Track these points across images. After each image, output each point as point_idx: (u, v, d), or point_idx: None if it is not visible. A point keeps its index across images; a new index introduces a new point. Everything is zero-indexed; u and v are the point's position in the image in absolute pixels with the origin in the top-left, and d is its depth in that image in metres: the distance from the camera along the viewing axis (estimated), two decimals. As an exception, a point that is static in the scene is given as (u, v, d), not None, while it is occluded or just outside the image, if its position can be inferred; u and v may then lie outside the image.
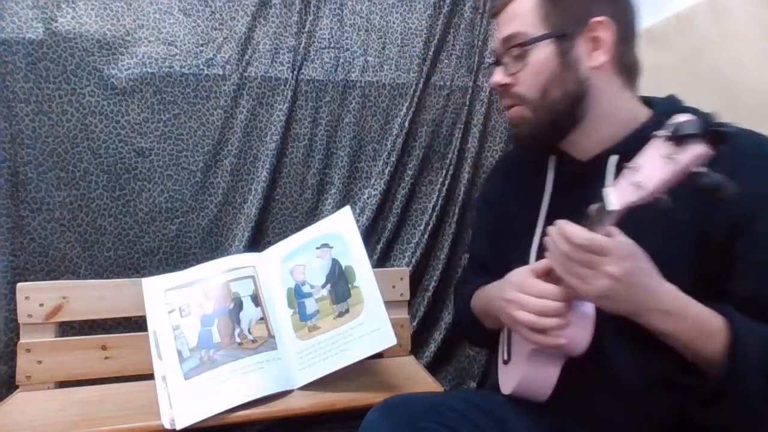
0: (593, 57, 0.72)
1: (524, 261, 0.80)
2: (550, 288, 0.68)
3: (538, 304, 0.68)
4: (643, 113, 0.75)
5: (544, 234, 0.71)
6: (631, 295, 0.59)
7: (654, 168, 0.53)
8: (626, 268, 0.58)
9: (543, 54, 0.73)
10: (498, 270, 0.91)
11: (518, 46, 0.74)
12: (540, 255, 0.74)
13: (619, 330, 0.68)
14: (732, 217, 0.63)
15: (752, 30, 0.97)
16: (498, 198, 0.95)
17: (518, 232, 0.84)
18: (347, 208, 1.14)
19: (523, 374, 0.75)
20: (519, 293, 0.70)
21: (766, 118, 0.82)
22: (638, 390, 0.70)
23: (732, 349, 0.58)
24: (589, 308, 0.69)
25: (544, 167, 0.83)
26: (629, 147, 0.66)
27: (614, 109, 0.74)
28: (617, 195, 0.57)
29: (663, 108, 0.74)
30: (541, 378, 0.74)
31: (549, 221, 0.71)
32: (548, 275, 0.70)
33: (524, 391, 0.76)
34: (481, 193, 1.08)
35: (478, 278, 0.96)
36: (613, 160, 0.69)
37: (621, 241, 0.59)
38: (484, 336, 0.93)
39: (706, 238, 0.65)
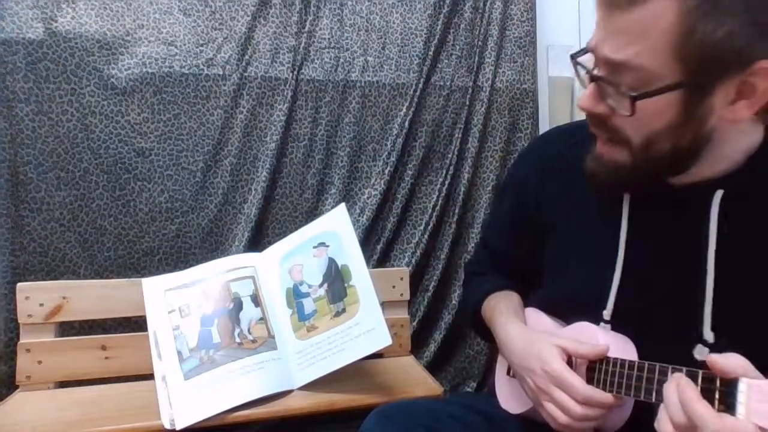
0: (734, 109, 0.53)
1: (600, 299, 0.66)
2: (599, 396, 0.59)
3: (582, 413, 0.59)
4: (757, 134, 0.59)
5: (625, 270, 0.64)
6: None
7: None
8: None
9: (664, 102, 0.52)
10: (519, 267, 0.84)
11: (634, 88, 0.52)
12: (624, 297, 0.65)
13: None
14: None
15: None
16: (535, 191, 0.78)
17: (580, 251, 0.71)
18: (342, 206, 1.14)
19: (530, 409, 0.71)
20: (556, 390, 0.61)
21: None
22: None
23: None
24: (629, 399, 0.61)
25: None
26: (737, 182, 0.59)
27: (736, 145, 0.58)
28: (755, 409, 0.44)
29: None
30: None
31: (630, 258, 0.65)
32: (590, 363, 0.62)
33: (529, 418, 0.73)
34: (512, 175, 0.88)
35: (491, 273, 0.90)
36: (719, 196, 0.58)
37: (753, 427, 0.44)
38: (491, 338, 0.84)
39: None
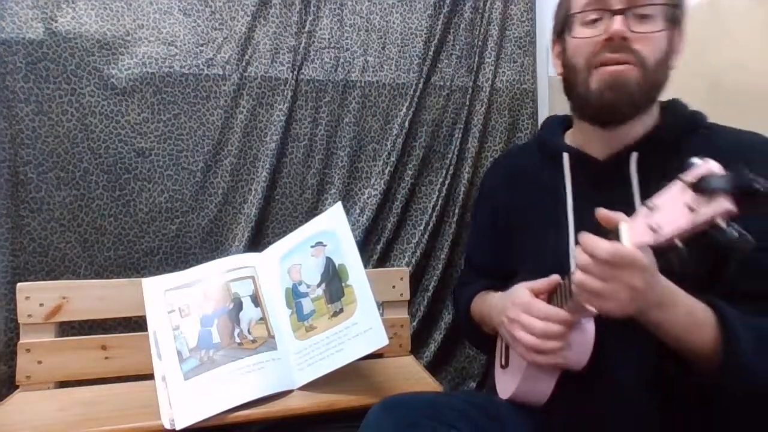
0: (680, 46, 0.72)
1: (564, 269, 0.74)
2: (555, 311, 0.68)
3: (542, 327, 0.68)
4: (654, 112, 0.75)
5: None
6: (642, 301, 0.58)
7: (674, 214, 0.51)
8: (647, 279, 0.56)
9: (671, 24, 0.70)
10: (499, 273, 0.91)
11: (667, 5, 0.69)
12: None
13: (620, 338, 0.68)
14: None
15: (752, 29, 0.97)
16: (502, 199, 0.91)
17: (541, 235, 0.81)
18: (339, 205, 1.13)
19: (520, 383, 0.75)
20: (523, 314, 0.70)
21: (766, 117, 0.82)
22: (637, 391, 0.70)
23: (724, 337, 0.59)
24: (590, 326, 0.70)
25: (555, 166, 0.80)
26: (646, 147, 0.71)
27: (653, 108, 0.74)
28: (631, 234, 0.55)
29: (671, 110, 0.75)
30: (538, 387, 0.75)
31: (578, 224, 0.73)
32: (549, 294, 0.72)
33: (521, 399, 0.77)
34: (480, 194, 1.03)
35: (476, 281, 0.95)
36: (635, 157, 0.71)
37: (638, 251, 0.56)
38: (483, 340, 0.93)
39: None
